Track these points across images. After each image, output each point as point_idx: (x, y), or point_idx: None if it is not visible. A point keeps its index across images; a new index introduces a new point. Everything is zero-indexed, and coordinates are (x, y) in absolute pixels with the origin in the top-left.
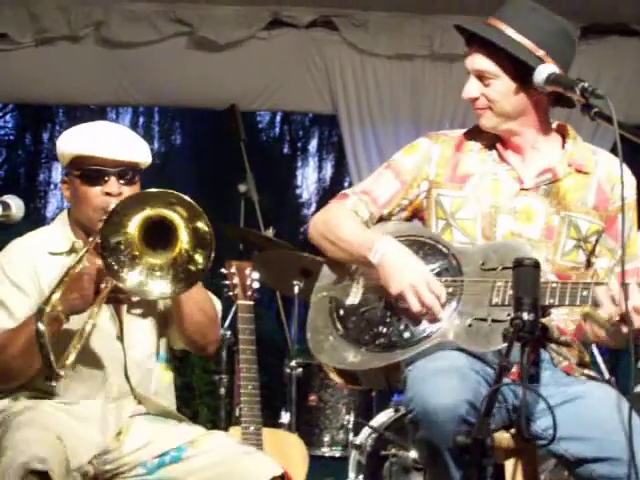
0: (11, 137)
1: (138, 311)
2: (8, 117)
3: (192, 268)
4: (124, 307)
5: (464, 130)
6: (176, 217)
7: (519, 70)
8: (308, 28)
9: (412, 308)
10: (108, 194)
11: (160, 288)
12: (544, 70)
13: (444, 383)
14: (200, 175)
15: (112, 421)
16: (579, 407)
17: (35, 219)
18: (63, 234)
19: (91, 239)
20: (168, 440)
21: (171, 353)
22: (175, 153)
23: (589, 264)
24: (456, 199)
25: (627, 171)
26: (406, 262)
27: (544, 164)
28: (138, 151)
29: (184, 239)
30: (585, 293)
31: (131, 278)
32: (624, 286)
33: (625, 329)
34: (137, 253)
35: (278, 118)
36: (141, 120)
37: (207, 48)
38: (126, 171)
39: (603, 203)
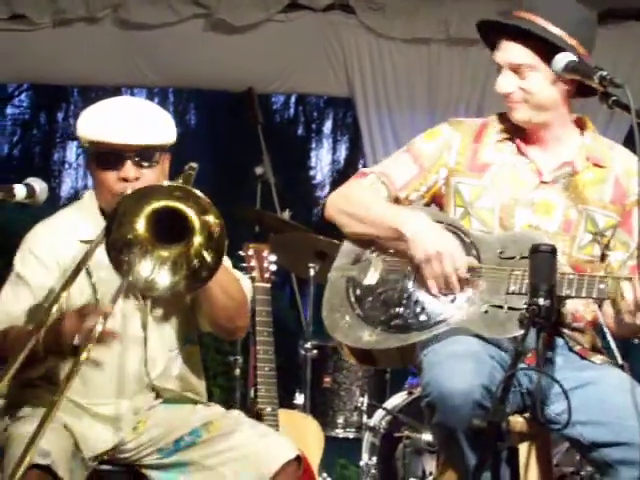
0: (26, 116)
1: (162, 299)
2: (23, 96)
3: (201, 265)
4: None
5: (484, 119)
6: (185, 208)
7: None
8: (325, 11)
9: (432, 273)
10: (124, 179)
11: (168, 281)
12: (563, 58)
13: (460, 367)
14: (215, 157)
15: (127, 421)
16: (593, 392)
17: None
18: (93, 218)
19: (97, 238)
20: (184, 425)
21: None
22: (190, 134)
23: (603, 257)
24: (475, 188)
25: None
26: (438, 233)
27: (563, 157)
28: (156, 133)
29: (197, 230)
30: (602, 286)
31: (140, 275)
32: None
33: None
34: (149, 247)
35: (293, 99)
36: (156, 101)
37: (224, 30)
38: (144, 154)
39: (620, 198)
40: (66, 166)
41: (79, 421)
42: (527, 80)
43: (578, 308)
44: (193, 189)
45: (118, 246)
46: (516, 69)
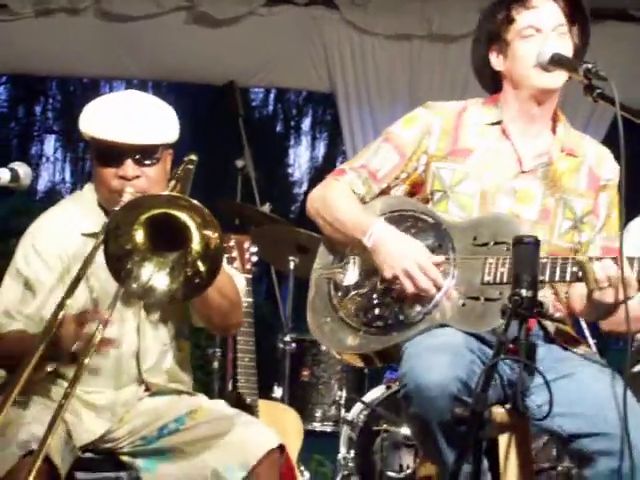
0: (4, 109)
1: None
2: (1, 89)
3: (198, 274)
4: None
5: (464, 102)
6: (181, 214)
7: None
8: (308, 6)
9: (407, 291)
10: (123, 177)
11: (166, 286)
12: (548, 50)
13: (437, 360)
14: (195, 149)
15: (115, 411)
16: (573, 383)
17: (27, 192)
18: (93, 212)
19: (95, 244)
20: (168, 413)
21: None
22: None
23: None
24: (456, 172)
25: (611, 156)
26: (400, 246)
27: (540, 147)
28: (158, 131)
29: (195, 238)
30: (575, 269)
31: (138, 282)
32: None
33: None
34: (148, 255)
35: (272, 96)
36: None
37: (207, 23)
38: (145, 152)
39: (594, 184)
40: (44, 160)
41: (71, 409)
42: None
43: (554, 301)
44: (195, 202)
45: (117, 257)
46: (556, 31)
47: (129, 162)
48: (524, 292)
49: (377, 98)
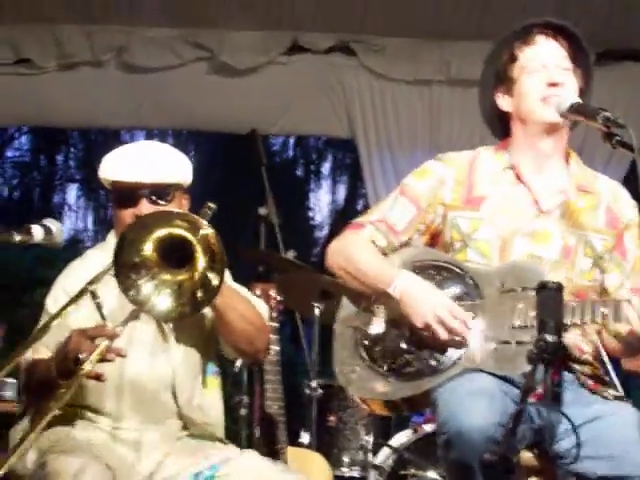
0: (26, 159)
1: (185, 327)
2: (23, 139)
3: (198, 295)
4: (170, 325)
5: (474, 151)
6: (189, 235)
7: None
8: (327, 53)
9: (440, 337)
10: (137, 216)
11: (170, 304)
12: (568, 99)
13: (476, 405)
14: (215, 198)
15: (159, 446)
16: (602, 426)
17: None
18: None
19: (107, 266)
20: (203, 459)
21: (218, 363)
22: None
23: (602, 281)
24: (472, 220)
25: (626, 193)
26: (426, 294)
27: (557, 186)
28: (168, 170)
29: (200, 258)
30: (605, 310)
31: (142, 295)
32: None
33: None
34: (156, 270)
35: (292, 141)
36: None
37: (227, 73)
38: (158, 191)
39: (613, 222)
40: (66, 208)
41: (119, 459)
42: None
43: (578, 340)
44: (188, 213)
45: (126, 268)
46: (562, 67)
47: (144, 201)
48: (549, 337)
49: (397, 143)
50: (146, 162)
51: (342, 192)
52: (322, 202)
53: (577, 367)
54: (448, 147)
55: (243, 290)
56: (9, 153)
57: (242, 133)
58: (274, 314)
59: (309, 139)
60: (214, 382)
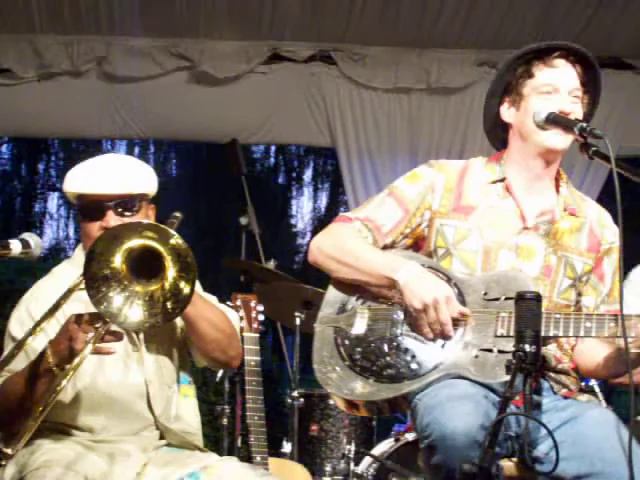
0: (6, 168)
1: (156, 337)
2: (4, 148)
3: (169, 305)
4: (141, 335)
5: (466, 161)
6: (158, 245)
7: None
8: (307, 62)
9: (429, 320)
10: (105, 228)
11: (142, 315)
12: (543, 110)
13: (460, 409)
14: (197, 207)
15: (136, 456)
16: (575, 427)
17: None
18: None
19: (79, 277)
20: (183, 468)
21: (191, 373)
22: (171, 184)
23: (577, 302)
24: (459, 229)
25: (611, 219)
26: (431, 281)
27: (544, 205)
28: (133, 182)
29: (169, 268)
30: (589, 324)
31: (112, 307)
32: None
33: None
34: (126, 283)
35: (273, 148)
36: (136, 151)
37: (207, 82)
38: (124, 203)
39: (595, 246)
40: (47, 217)
41: (98, 470)
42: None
43: (554, 350)
44: (157, 223)
45: (97, 281)
46: (574, 94)
47: (110, 213)
48: (527, 347)
49: (378, 151)
50: (111, 174)
51: (324, 199)
52: (304, 209)
53: (552, 375)
54: (428, 154)
55: (212, 298)
56: None
57: (222, 143)
58: (254, 325)
59: (291, 146)
60: (189, 391)
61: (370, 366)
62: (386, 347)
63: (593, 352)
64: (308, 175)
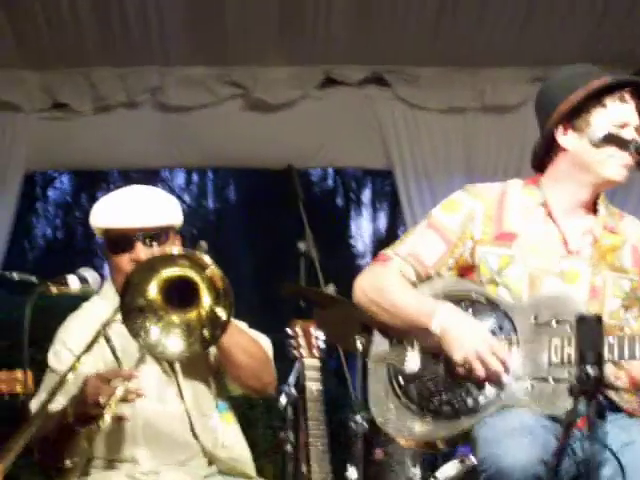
0: (67, 198)
1: (191, 366)
2: (64, 179)
3: (206, 333)
4: (177, 365)
5: (504, 184)
6: (193, 274)
7: None
8: (360, 85)
9: (477, 374)
10: (136, 261)
11: (180, 345)
12: (601, 129)
13: (517, 442)
14: (256, 233)
15: None
16: (634, 451)
17: None
18: (114, 303)
19: (114, 310)
20: None
21: (231, 401)
22: (230, 211)
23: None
24: (502, 257)
25: None
26: (468, 329)
27: (584, 226)
28: (160, 214)
29: (205, 296)
30: None
31: (151, 339)
32: None
33: None
34: (162, 313)
35: (330, 171)
36: (195, 178)
37: (261, 109)
38: (152, 235)
39: (639, 261)
40: None
41: None
42: None
43: (611, 367)
44: (192, 252)
45: (133, 312)
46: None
47: (139, 245)
48: (590, 369)
49: (434, 172)
50: (137, 207)
51: (383, 220)
52: (363, 230)
53: (612, 393)
54: (484, 173)
55: (242, 324)
56: (51, 193)
57: (279, 169)
58: (314, 351)
59: (348, 168)
60: (230, 418)
61: (426, 404)
62: (440, 383)
63: None
64: (367, 196)
